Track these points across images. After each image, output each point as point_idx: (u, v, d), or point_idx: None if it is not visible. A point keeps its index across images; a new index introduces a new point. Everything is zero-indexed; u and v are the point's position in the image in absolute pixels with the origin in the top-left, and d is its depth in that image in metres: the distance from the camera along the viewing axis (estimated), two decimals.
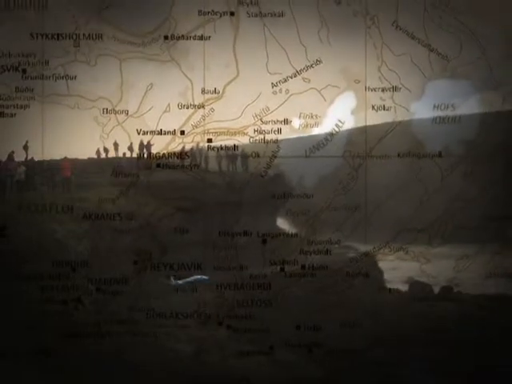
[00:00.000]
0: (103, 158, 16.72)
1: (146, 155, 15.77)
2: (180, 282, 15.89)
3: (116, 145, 16.13)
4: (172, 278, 15.70)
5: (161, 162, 14.67)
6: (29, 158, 16.34)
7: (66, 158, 16.50)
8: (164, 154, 14.69)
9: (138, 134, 15.00)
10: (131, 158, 16.20)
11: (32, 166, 16.47)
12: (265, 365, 14.19)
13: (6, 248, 14.18)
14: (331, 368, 14.15)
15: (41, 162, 16.24)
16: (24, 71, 14.38)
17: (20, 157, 16.33)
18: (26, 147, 16.07)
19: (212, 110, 14.96)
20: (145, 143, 15.64)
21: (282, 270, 14.58)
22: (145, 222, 15.15)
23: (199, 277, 15.65)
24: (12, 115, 14.52)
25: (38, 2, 14.41)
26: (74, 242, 15.34)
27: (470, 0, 14.70)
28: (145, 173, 14.99)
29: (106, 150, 16.40)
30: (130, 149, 16.16)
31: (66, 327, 13.94)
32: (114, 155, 16.53)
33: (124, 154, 16.42)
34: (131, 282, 14.47)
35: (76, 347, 13.78)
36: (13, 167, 16.44)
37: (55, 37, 14.40)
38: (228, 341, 14.44)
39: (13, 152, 16.11)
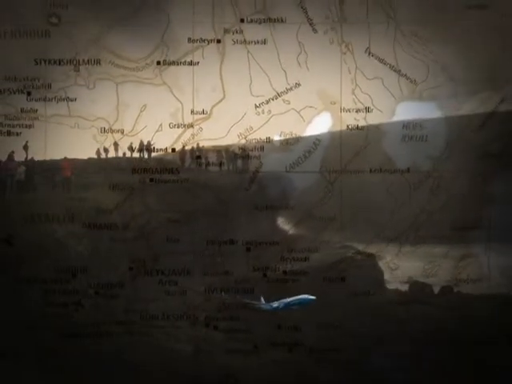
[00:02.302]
0: (103, 158, 16.83)
1: (146, 155, 16.40)
2: (275, 304, 15.73)
3: (116, 145, 16.32)
4: (262, 299, 15.70)
5: (154, 177, 15.34)
6: (29, 157, 16.37)
7: (65, 158, 16.52)
8: (157, 169, 15.40)
9: (133, 151, 16.14)
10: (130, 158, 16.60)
11: (32, 165, 16.44)
12: (249, 362, 14.86)
13: (11, 254, 14.68)
14: (310, 365, 14.90)
15: (41, 162, 16.31)
16: (29, 94, 15.14)
17: (20, 157, 16.36)
18: (26, 147, 16.12)
19: (200, 129, 15.72)
20: (145, 143, 16.22)
21: (265, 275, 15.30)
22: (139, 232, 15.63)
23: (304, 297, 15.53)
24: (17, 134, 15.28)
25: (42, 30, 15.20)
26: (74, 244, 15.58)
27: (436, 29, 15.48)
28: (139, 186, 15.49)
29: (105, 150, 16.57)
30: (130, 149, 16.52)
31: (67, 328, 14.47)
32: (114, 155, 16.74)
33: (124, 154, 16.69)
34: (127, 286, 15.08)
35: (76, 347, 14.30)
36: (13, 167, 16.33)
37: (57, 62, 15.23)
38: (215, 340, 15.08)
39: (13, 152, 16.17)
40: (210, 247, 15.39)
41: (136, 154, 16.52)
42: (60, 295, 14.72)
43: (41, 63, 15.17)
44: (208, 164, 15.98)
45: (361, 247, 16.34)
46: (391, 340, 14.99)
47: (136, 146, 16.31)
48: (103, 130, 15.63)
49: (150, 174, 15.39)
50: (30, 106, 15.21)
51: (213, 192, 16.37)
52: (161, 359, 14.72)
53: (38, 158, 16.18)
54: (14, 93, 15.14)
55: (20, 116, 15.21)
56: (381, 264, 16.28)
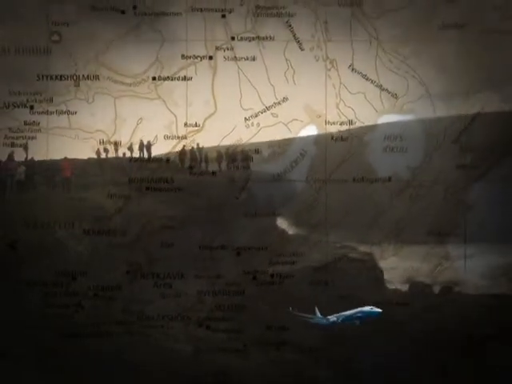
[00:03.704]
0: (103, 158, 16.84)
1: (146, 156, 16.67)
2: (333, 318, 15.45)
3: (116, 145, 16.51)
4: (317, 311, 15.54)
5: (149, 186, 15.82)
6: (29, 158, 16.38)
7: (65, 158, 16.63)
8: (152, 178, 15.85)
9: (130, 161, 16.36)
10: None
11: (32, 165, 16.49)
12: (238, 360, 15.42)
13: (15, 258, 15.13)
14: (296, 363, 15.47)
15: (41, 162, 16.44)
16: (31, 107, 15.65)
17: (20, 157, 16.37)
18: (25, 147, 16.10)
19: (193, 140, 16.35)
20: (145, 143, 16.63)
21: (254, 278, 15.82)
22: (136, 238, 15.97)
23: (367, 309, 15.25)
24: (21, 145, 15.83)
25: (44, 47, 15.70)
26: (74, 248, 15.85)
27: (415, 46, 16.03)
28: (136, 194, 15.97)
29: (106, 150, 16.71)
30: (130, 149, 16.72)
31: (67, 328, 14.89)
32: (114, 155, 16.84)
33: (124, 154, 16.82)
34: (124, 288, 15.51)
35: (76, 347, 14.70)
36: (13, 167, 16.35)
37: (58, 78, 15.76)
38: (207, 339, 15.56)
39: (13, 152, 16.20)
40: (203, 252, 15.81)
41: (136, 154, 16.73)
42: (61, 297, 15.12)
43: (43, 78, 15.67)
44: (200, 173, 16.35)
45: (346, 252, 16.77)
46: (390, 340, 15.38)
47: (136, 145, 16.60)
48: (102, 142, 16.13)
49: (146, 182, 15.82)
50: (32, 118, 15.67)
51: (205, 200, 16.71)
52: (157, 358, 15.19)
53: (38, 158, 16.45)
54: (18, 106, 15.60)
55: (23, 128, 15.66)
56: (364, 267, 16.70)
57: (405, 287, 16.86)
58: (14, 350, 14.59)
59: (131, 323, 15.42)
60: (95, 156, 16.87)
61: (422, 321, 15.59)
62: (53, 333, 14.84)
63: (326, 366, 15.31)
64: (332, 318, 15.58)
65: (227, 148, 16.87)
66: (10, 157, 16.30)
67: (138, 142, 16.49)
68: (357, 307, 15.80)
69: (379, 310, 15.27)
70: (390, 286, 16.98)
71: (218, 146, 16.61)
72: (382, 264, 16.85)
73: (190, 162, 16.87)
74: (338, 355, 15.39)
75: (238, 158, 16.80)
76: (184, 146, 16.35)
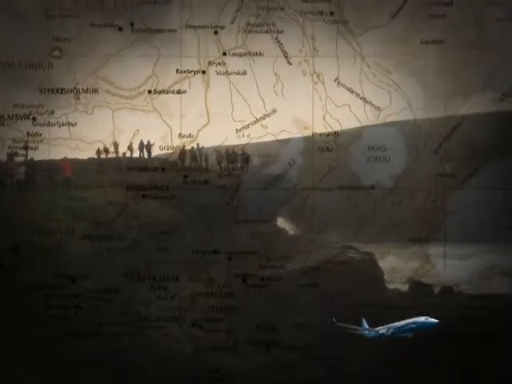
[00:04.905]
0: (103, 158, 17.04)
1: (146, 155, 17.13)
2: (382, 330, 14.43)
3: (116, 145, 16.94)
4: (364, 322, 14.89)
5: (146, 194, 16.33)
6: (29, 158, 16.51)
7: (65, 157, 16.78)
8: (148, 186, 16.35)
9: (128, 169, 16.82)
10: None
11: (32, 165, 16.58)
12: (230, 358, 15.95)
13: (18, 262, 15.62)
14: (285, 361, 16.03)
15: (41, 162, 16.61)
16: (34, 119, 16.20)
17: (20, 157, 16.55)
18: (26, 147, 16.37)
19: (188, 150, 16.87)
20: (145, 143, 17.08)
21: (245, 281, 16.30)
22: (133, 242, 16.39)
23: (421, 320, 14.02)
24: (24, 155, 16.42)
25: (46, 62, 16.25)
26: (74, 253, 16.11)
27: (397, 62, 16.53)
28: (133, 202, 16.46)
29: (106, 150, 16.93)
30: (130, 149, 17.12)
31: (67, 328, 15.37)
32: (114, 155, 17.07)
33: (124, 153, 17.17)
34: (122, 290, 15.99)
35: (76, 347, 15.17)
36: (13, 167, 16.47)
37: (59, 91, 16.31)
38: (200, 338, 16.09)
39: (13, 152, 16.38)
40: (196, 256, 16.24)
41: (136, 154, 17.15)
42: (61, 299, 15.61)
43: (45, 92, 16.22)
44: (194, 181, 16.67)
45: (332, 255, 17.08)
46: (389, 339, 15.50)
47: (136, 145, 17.00)
48: (101, 152, 16.76)
49: (143, 190, 16.30)
50: (35, 130, 16.21)
51: (198, 207, 16.98)
52: (154, 357, 15.71)
53: (37, 158, 16.73)
54: (21, 118, 16.15)
55: (26, 139, 16.19)
56: (350, 271, 16.92)
57: (405, 287, 17.08)
58: (15, 350, 14.93)
59: (129, 324, 15.87)
60: (95, 156, 17.14)
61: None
62: (53, 333, 15.20)
63: (322, 364, 15.83)
64: (381, 329, 14.73)
65: (227, 148, 17.27)
66: (10, 157, 16.50)
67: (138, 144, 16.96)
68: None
69: (435, 321, 14.26)
70: (390, 286, 17.21)
71: (220, 145, 17.08)
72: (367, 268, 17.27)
73: (191, 161, 17.22)
74: (336, 355, 15.82)
75: (237, 158, 17.12)
76: (184, 146, 16.76)
